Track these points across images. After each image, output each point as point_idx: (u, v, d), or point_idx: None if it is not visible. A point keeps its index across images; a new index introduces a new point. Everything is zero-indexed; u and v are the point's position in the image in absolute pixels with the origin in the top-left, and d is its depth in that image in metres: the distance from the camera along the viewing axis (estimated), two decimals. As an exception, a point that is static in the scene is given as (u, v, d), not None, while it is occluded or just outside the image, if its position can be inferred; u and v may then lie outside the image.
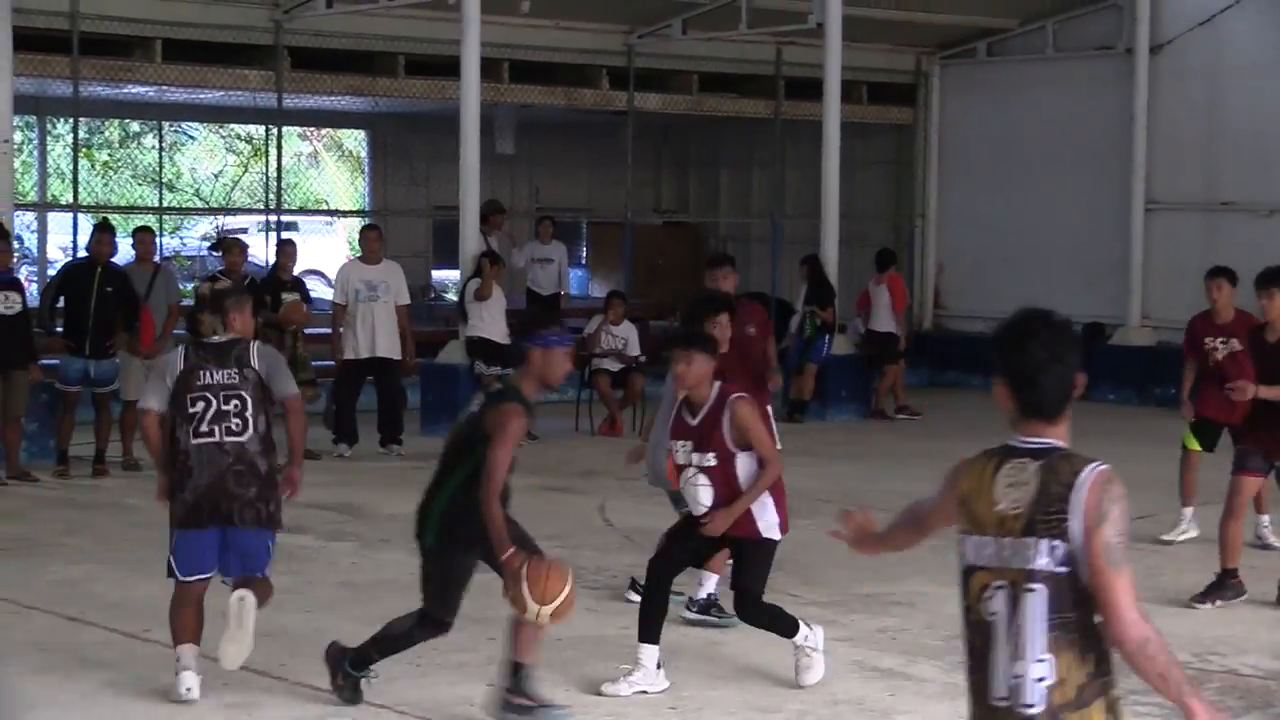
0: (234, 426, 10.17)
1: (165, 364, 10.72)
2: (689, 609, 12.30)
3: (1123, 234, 27.32)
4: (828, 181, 24.84)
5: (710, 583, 12.43)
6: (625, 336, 22.73)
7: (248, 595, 10.03)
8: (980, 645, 5.35)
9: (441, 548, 9.22)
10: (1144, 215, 27.36)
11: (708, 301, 12.93)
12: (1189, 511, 15.59)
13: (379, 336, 19.84)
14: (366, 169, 36.57)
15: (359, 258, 20.82)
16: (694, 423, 10.65)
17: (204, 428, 10.13)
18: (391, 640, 9.80)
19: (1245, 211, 26.38)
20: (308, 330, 20.18)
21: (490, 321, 21.54)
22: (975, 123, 29.60)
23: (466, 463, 9.12)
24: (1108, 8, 27.83)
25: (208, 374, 10.26)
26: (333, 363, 20.24)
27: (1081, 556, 5.11)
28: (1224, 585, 12.76)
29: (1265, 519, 14.87)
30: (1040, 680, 5.12)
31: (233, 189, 44.15)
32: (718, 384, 10.66)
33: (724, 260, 15.13)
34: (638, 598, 11.65)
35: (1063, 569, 5.14)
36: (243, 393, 10.24)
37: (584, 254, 34.20)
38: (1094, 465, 5.29)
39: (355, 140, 39.66)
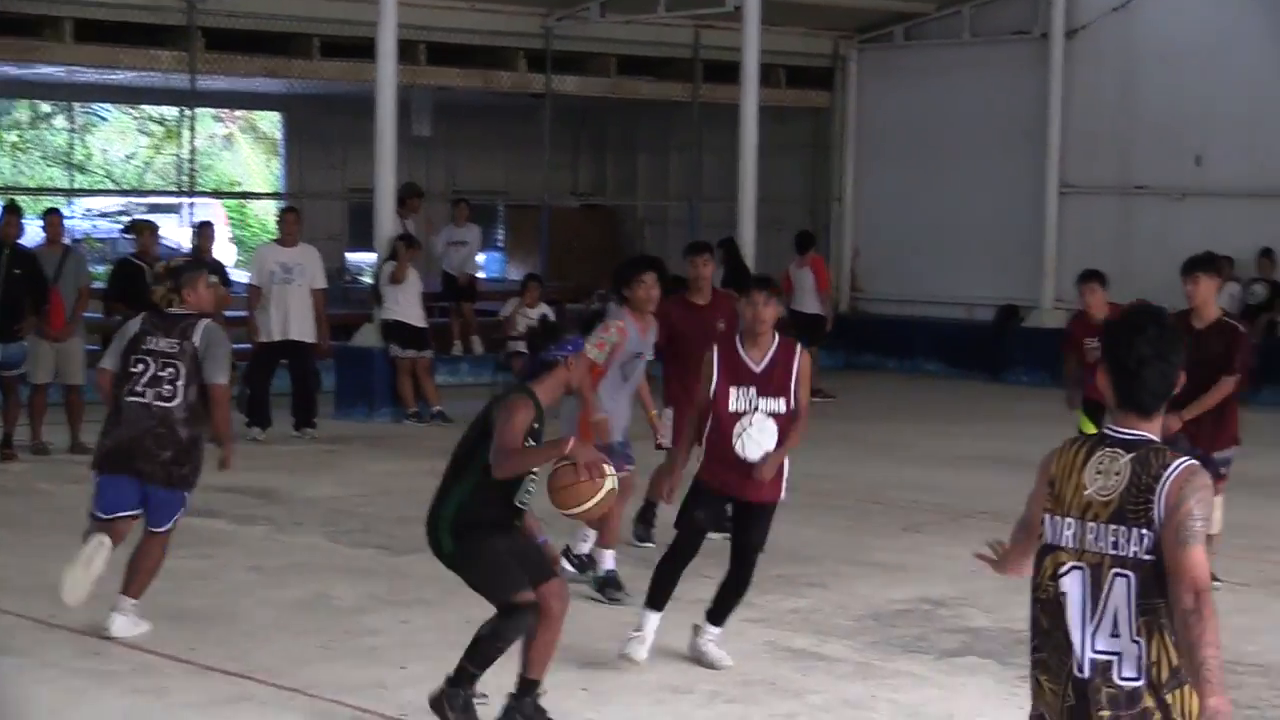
0: (164, 393, 10.96)
1: (127, 327, 11.48)
2: (570, 562, 12.51)
3: (1037, 217, 27.50)
4: (745, 165, 24.87)
5: (590, 543, 12.82)
6: (534, 317, 22.68)
7: (106, 541, 10.83)
8: (1048, 623, 5.55)
9: (461, 548, 8.90)
10: (1058, 199, 27.55)
11: (633, 263, 13.43)
12: None
13: (293, 319, 19.75)
14: (282, 151, 36.46)
15: (275, 240, 20.72)
16: (758, 369, 10.82)
17: (138, 388, 10.98)
18: (482, 644, 9.00)
19: (1158, 195, 26.58)
20: (226, 313, 20.10)
21: (406, 304, 21.51)
22: (892, 107, 29.71)
23: (474, 464, 8.91)
24: (1022, -8, 28.04)
25: (154, 340, 11.10)
26: (248, 345, 20.11)
27: (1162, 542, 5.32)
28: None
29: None
30: (1134, 658, 5.35)
31: (145, 171, 43.93)
32: (777, 334, 10.94)
33: (703, 247, 14.99)
34: (571, 568, 11.96)
35: (1149, 557, 5.34)
36: (179, 363, 11.01)
37: (501, 237, 34.19)
38: (1182, 460, 5.47)
39: (270, 122, 39.50)
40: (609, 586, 12.53)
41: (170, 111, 37.48)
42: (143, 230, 19.88)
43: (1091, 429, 15.45)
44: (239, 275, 24.90)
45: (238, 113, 41.32)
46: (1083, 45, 27.41)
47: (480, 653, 8.83)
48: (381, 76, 21.88)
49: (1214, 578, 11.83)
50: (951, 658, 11.21)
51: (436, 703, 8.87)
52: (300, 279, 19.81)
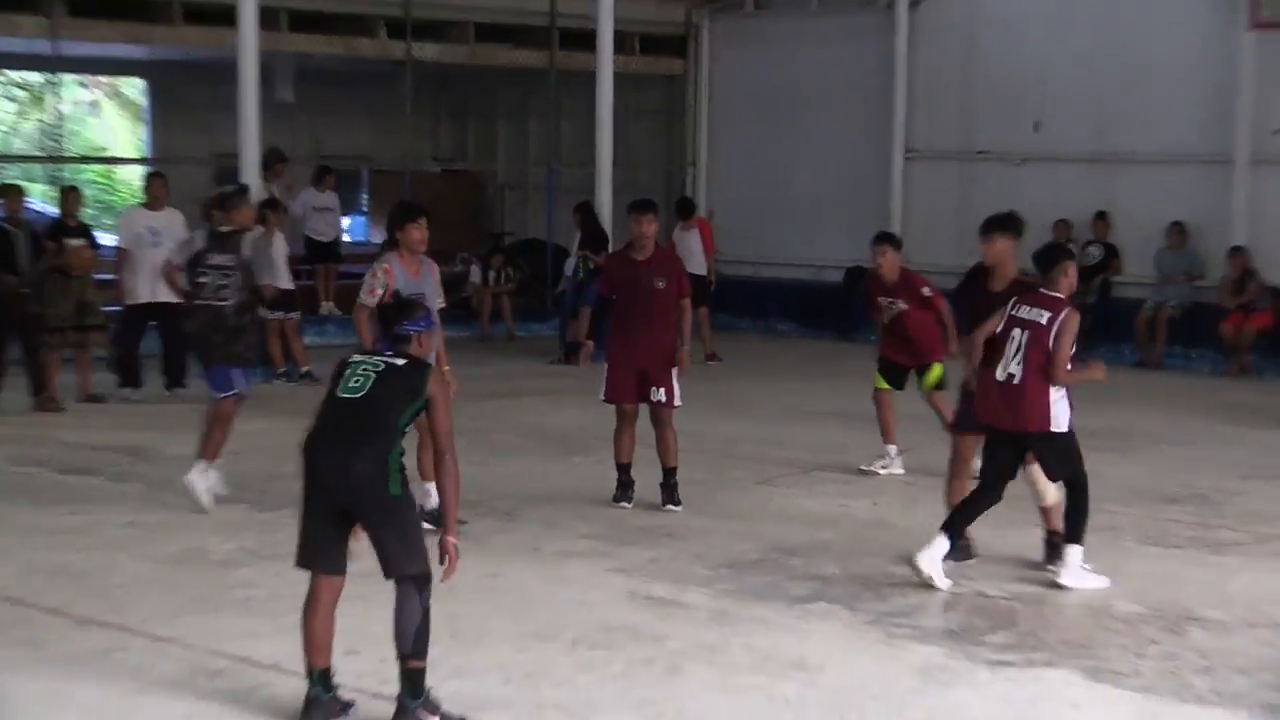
0: (224, 295, 14.17)
1: (191, 239, 14.99)
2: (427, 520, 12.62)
3: (884, 182, 27.74)
4: (601, 131, 24.96)
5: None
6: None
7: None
8: None
9: (405, 496, 8.63)
10: (903, 164, 27.78)
11: (404, 210, 13.77)
12: (893, 449, 15.88)
13: (162, 282, 19.66)
14: (147, 117, 36.09)
15: (143, 204, 20.56)
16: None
17: (203, 295, 14.22)
18: (417, 637, 8.60)
19: (999, 160, 26.82)
20: (98, 276, 19.99)
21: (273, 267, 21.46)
22: (744, 74, 29.77)
23: (397, 424, 8.67)
24: (869, -37, 28.21)
25: (212, 256, 14.24)
26: (119, 307, 19.98)
27: None
28: (954, 546, 11.91)
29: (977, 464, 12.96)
30: None
31: (11, 136, 43.43)
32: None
33: (647, 206, 14.78)
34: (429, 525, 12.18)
35: None
36: (234, 271, 14.25)
37: (365, 201, 34.07)
38: None
39: (135, 89, 39.09)
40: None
41: (34, 77, 37.15)
42: (8, 192, 19.65)
43: (884, 385, 15.70)
44: (107, 239, 24.67)
45: (102, 79, 40.85)
46: (927, 15, 27.62)
47: (423, 641, 8.55)
48: (244, 43, 21.74)
49: (1054, 533, 12.10)
50: (803, 604, 11.29)
51: (400, 716, 8.56)
52: (168, 241, 19.62)
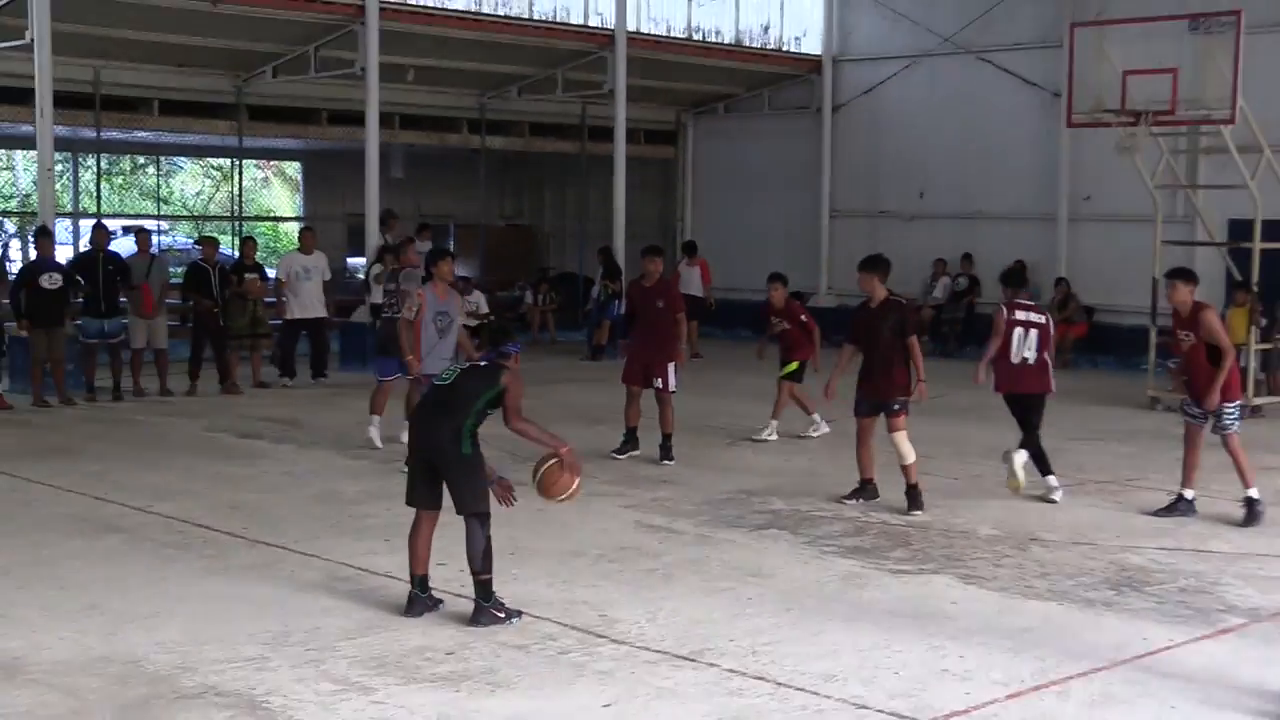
0: (395, 311, 14.00)
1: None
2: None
3: (815, 233, 27.68)
4: (617, 197, 24.90)
5: None
6: (476, 302, 22.58)
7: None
8: None
9: (474, 454, 8.47)
10: (829, 220, 27.70)
11: (436, 252, 13.78)
12: (774, 423, 15.70)
13: (311, 302, 19.57)
14: (301, 189, 36.04)
15: (298, 249, 20.46)
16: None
17: (387, 311, 14.70)
18: (482, 557, 8.45)
19: (895, 217, 26.72)
20: (266, 300, 19.95)
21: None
22: (717, 157, 29.66)
23: (476, 406, 8.46)
24: (804, 80, 28.03)
25: (389, 284, 14.91)
26: (280, 321, 19.89)
27: None
28: (864, 489, 12.21)
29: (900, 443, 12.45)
30: None
31: (209, 203, 43.38)
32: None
33: (656, 250, 14.88)
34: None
35: None
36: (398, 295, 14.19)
37: (452, 246, 33.90)
38: None
39: (294, 169, 39.04)
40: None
41: (224, 162, 37.16)
42: (206, 243, 19.63)
43: (791, 370, 15.73)
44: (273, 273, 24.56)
45: (271, 163, 40.80)
46: (844, 116, 27.56)
47: (488, 560, 8.45)
48: (369, 137, 21.73)
49: (913, 486, 11.92)
50: (760, 530, 11.24)
51: (481, 616, 8.43)
52: (315, 276, 19.62)
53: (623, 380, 14.59)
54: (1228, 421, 11.81)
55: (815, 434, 15.76)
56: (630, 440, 14.41)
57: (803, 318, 15.91)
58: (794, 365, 15.67)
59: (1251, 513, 11.71)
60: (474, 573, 8.51)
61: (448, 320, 13.23)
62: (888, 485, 12.31)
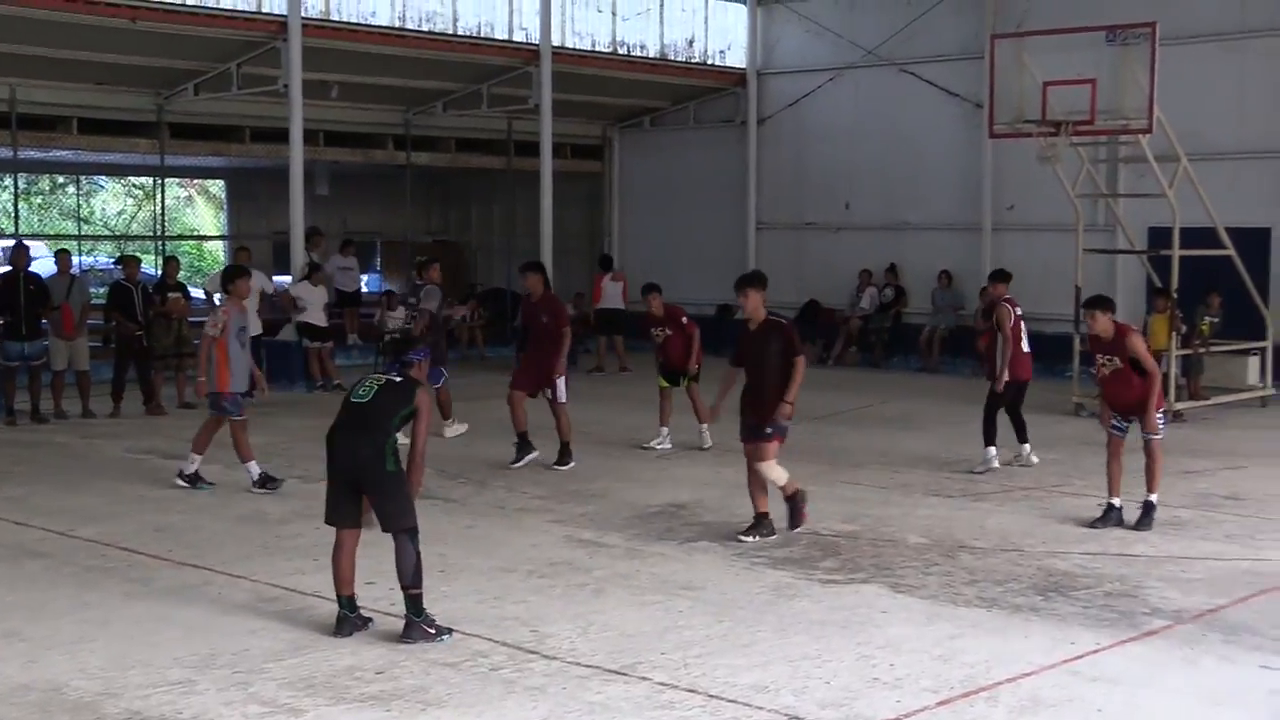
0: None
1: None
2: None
3: (742, 245, 27.70)
4: (544, 212, 24.80)
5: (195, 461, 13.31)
6: (399, 318, 22.43)
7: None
8: None
9: (398, 472, 8.47)
10: (755, 233, 27.76)
11: (232, 270, 14.04)
12: (665, 430, 15.84)
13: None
14: (225, 207, 35.77)
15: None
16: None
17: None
18: (413, 572, 8.44)
19: (821, 229, 26.84)
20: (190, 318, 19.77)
21: (313, 311, 21.29)
22: (644, 171, 29.66)
23: (392, 422, 8.52)
24: (730, 94, 28.10)
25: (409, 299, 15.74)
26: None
27: None
28: (759, 524, 11.35)
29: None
30: None
31: (131, 222, 42.95)
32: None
33: (532, 267, 15.00)
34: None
35: None
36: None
37: (378, 263, 33.74)
38: None
39: (218, 187, 38.74)
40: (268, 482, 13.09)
41: (147, 181, 36.80)
42: (129, 262, 19.39)
43: (664, 384, 16.04)
44: (196, 293, 24.35)
45: (195, 181, 40.46)
46: (769, 129, 27.64)
47: (419, 574, 8.41)
48: (293, 154, 21.60)
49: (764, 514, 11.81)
50: (690, 543, 11.24)
51: (413, 632, 8.39)
52: (252, 295, 19.42)
53: (510, 388, 14.72)
54: (1157, 429, 11.93)
55: (657, 446, 15.78)
56: (524, 446, 14.51)
57: (683, 319, 16.09)
58: (694, 370, 15.94)
59: (1147, 517, 11.84)
60: (404, 588, 8.46)
61: (246, 335, 13.42)
62: (813, 498, 12.31)
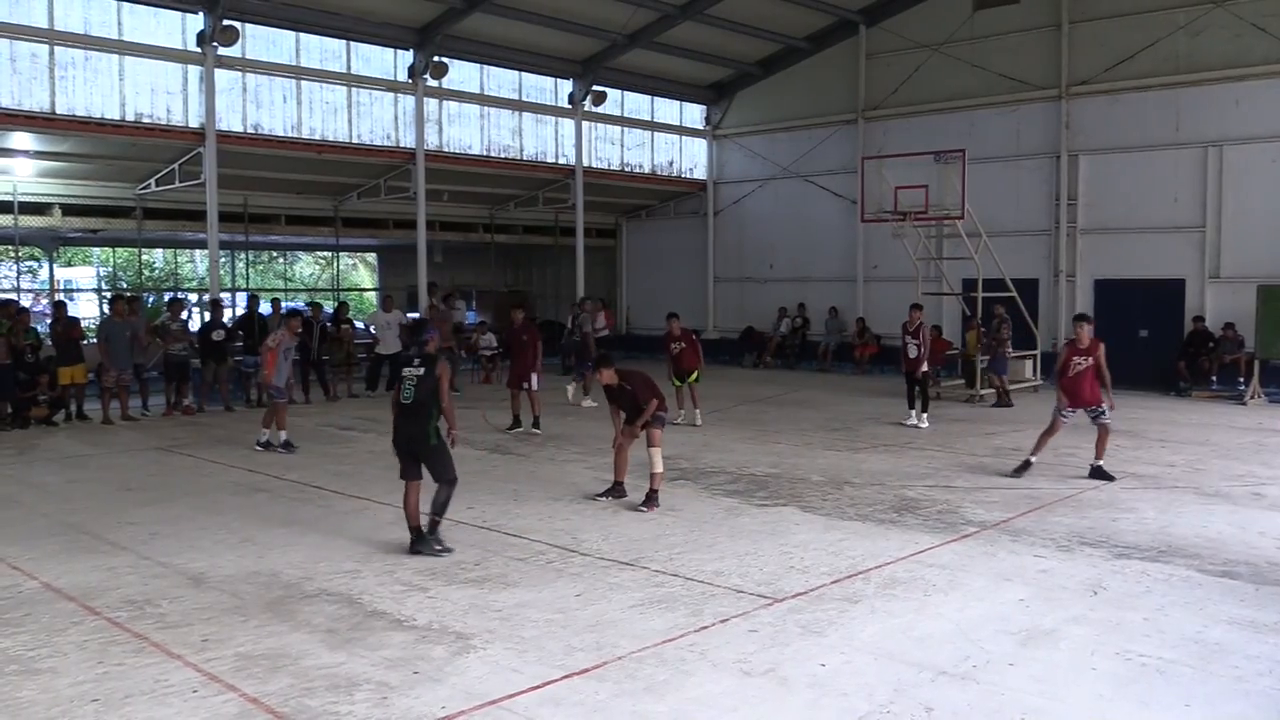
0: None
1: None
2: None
3: (704, 292, 27.58)
4: (578, 273, 24.75)
5: None
6: (489, 339, 22.46)
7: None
8: None
9: (440, 442, 8.11)
10: (714, 284, 27.66)
11: (290, 312, 13.90)
12: (682, 411, 14.86)
13: (391, 343, 19.21)
14: (377, 270, 35.65)
15: (380, 308, 20.20)
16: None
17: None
18: (442, 505, 8.12)
19: (756, 281, 26.69)
20: (356, 340, 19.66)
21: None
22: (642, 246, 29.41)
23: (436, 399, 8.10)
24: (696, 196, 27.87)
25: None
26: (366, 356, 19.62)
27: None
28: (615, 489, 10.06)
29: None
30: None
31: (318, 280, 42.85)
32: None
33: (518, 304, 15.02)
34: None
35: None
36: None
37: (473, 303, 33.64)
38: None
39: (372, 257, 38.61)
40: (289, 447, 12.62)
41: (328, 254, 36.67)
42: (314, 307, 19.18)
43: (677, 383, 15.08)
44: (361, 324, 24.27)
45: (357, 254, 40.35)
46: (721, 218, 27.47)
47: (444, 508, 8.12)
48: (419, 236, 21.59)
49: (655, 490, 11.49)
50: (674, 482, 10.91)
51: (423, 547, 7.96)
52: (394, 326, 19.27)
53: (506, 385, 14.81)
54: (1104, 417, 10.78)
55: (676, 421, 14.41)
56: (515, 423, 14.34)
57: (693, 337, 15.62)
58: (695, 374, 15.46)
59: (1103, 475, 10.75)
60: (432, 514, 8.13)
61: (291, 353, 13.21)
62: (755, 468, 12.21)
